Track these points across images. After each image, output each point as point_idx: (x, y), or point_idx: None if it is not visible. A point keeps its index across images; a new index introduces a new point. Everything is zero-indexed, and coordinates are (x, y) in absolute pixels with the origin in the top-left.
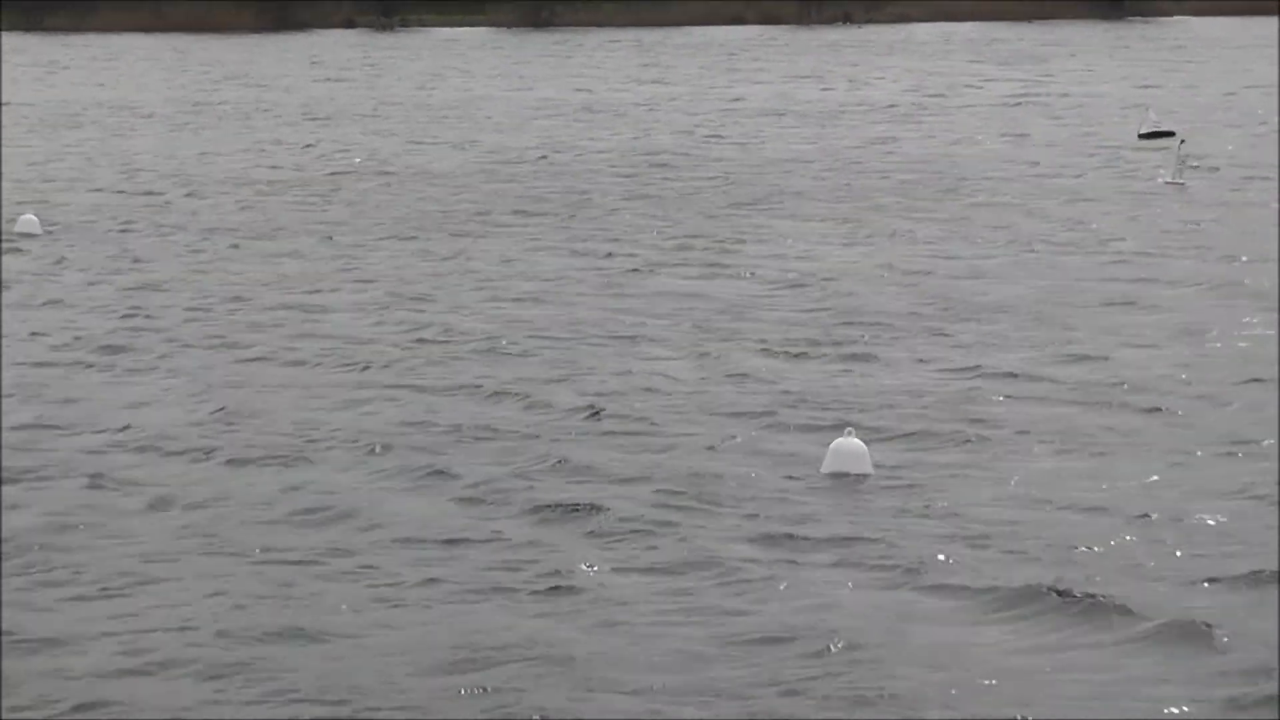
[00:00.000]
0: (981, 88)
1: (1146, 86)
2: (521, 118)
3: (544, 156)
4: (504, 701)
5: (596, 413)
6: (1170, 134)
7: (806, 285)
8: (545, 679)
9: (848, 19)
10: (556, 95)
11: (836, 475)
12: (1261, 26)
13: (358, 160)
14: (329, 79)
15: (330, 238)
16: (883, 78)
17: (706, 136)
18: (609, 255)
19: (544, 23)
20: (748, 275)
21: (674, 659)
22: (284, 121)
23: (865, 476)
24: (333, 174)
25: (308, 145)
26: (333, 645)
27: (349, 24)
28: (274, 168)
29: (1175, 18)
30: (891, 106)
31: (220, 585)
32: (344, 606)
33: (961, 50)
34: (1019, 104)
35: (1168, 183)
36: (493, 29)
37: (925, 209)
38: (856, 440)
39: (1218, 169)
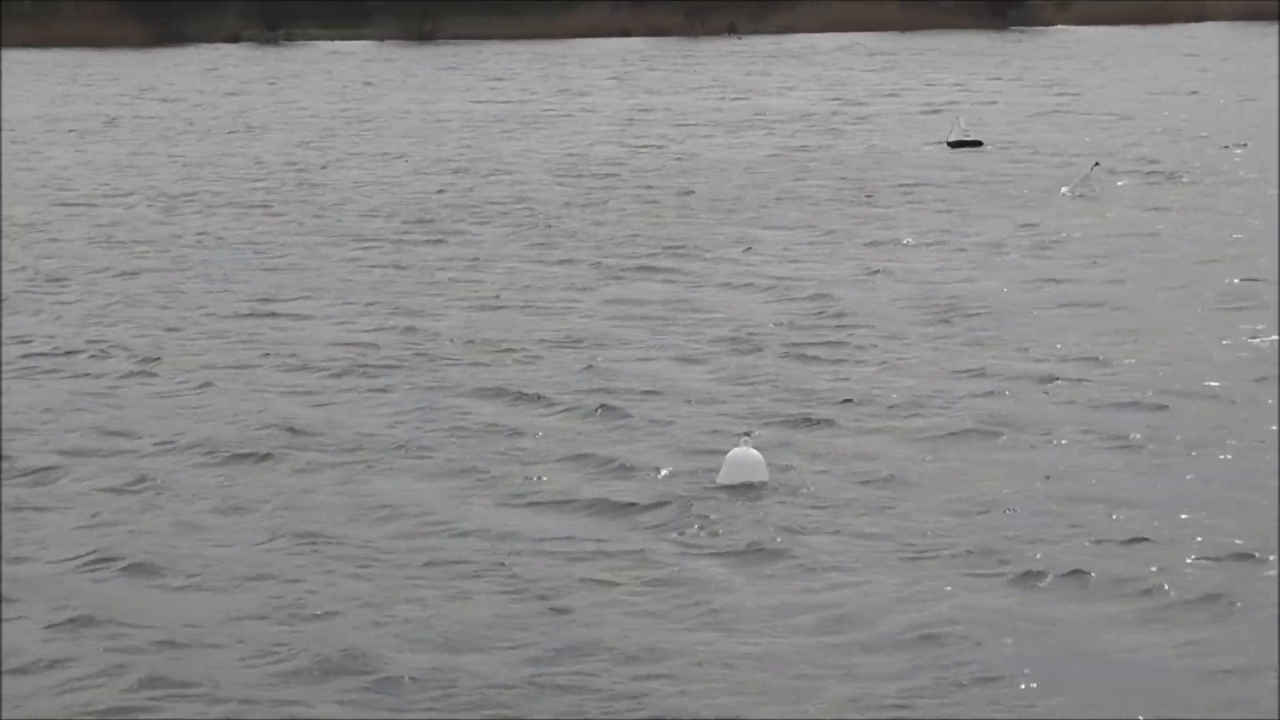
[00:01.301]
0: (899, 96)
1: (1062, 94)
2: (449, 128)
3: (492, 169)
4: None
5: (599, 409)
6: (978, 144)
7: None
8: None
9: (733, 30)
10: (468, 106)
11: (732, 486)
12: (1137, 35)
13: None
14: (265, 90)
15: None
16: (793, 87)
17: (637, 146)
18: (570, 262)
19: (427, 36)
20: (707, 279)
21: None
22: (252, 136)
23: (763, 484)
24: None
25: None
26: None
27: (234, 38)
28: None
29: (1058, 27)
30: (811, 115)
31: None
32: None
33: (867, 59)
34: (937, 111)
35: (1067, 195)
36: (378, 42)
37: (873, 214)
38: (752, 450)
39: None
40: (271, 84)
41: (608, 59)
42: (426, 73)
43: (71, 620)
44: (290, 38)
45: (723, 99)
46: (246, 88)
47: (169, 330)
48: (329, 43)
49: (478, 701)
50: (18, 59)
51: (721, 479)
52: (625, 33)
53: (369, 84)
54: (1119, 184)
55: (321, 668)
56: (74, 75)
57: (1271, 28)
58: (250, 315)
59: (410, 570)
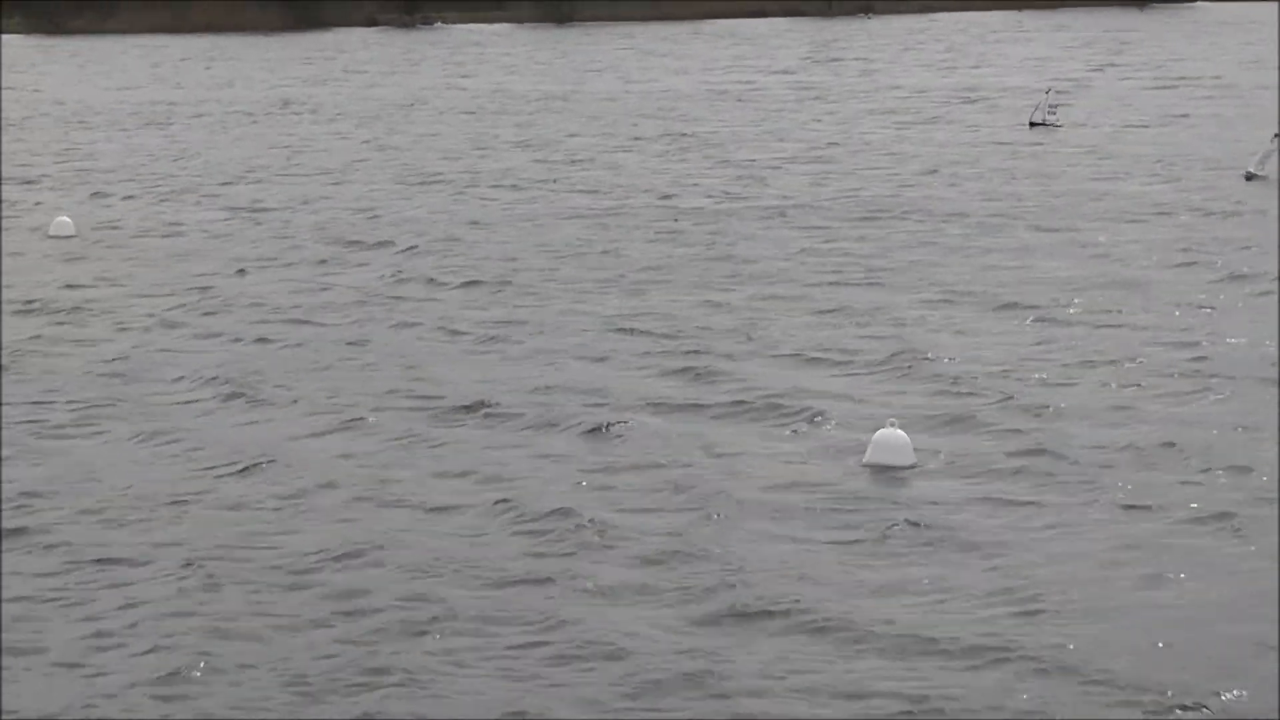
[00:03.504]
0: (1131, 77)
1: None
2: (704, 104)
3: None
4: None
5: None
6: (1059, 126)
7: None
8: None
9: (869, 9)
10: (685, 86)
11: (878, 467)
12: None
13: None
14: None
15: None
16: (1008, 63)
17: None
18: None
19: (565, 18)
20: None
21: None
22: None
23: (910, 467)
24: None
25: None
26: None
27: (371, 22)
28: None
29: (1196, 3)
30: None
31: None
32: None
33: (1055, 38)
34: (1172, 87)
35: (1249, 174)
36: (517, 25)
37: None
38: (899, 431)
39: None
40: (476, 65)
41: (776, 38)
42: (608, 53)
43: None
44: (428, 21)
45: (961, 76)
46: (465, 69)
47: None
48: (467, 25)
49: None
50: (164, 45)
51: (868, 459)
52: (761, 13)
53: (539, 64)
54: None
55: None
56: (263, 61)
57: None
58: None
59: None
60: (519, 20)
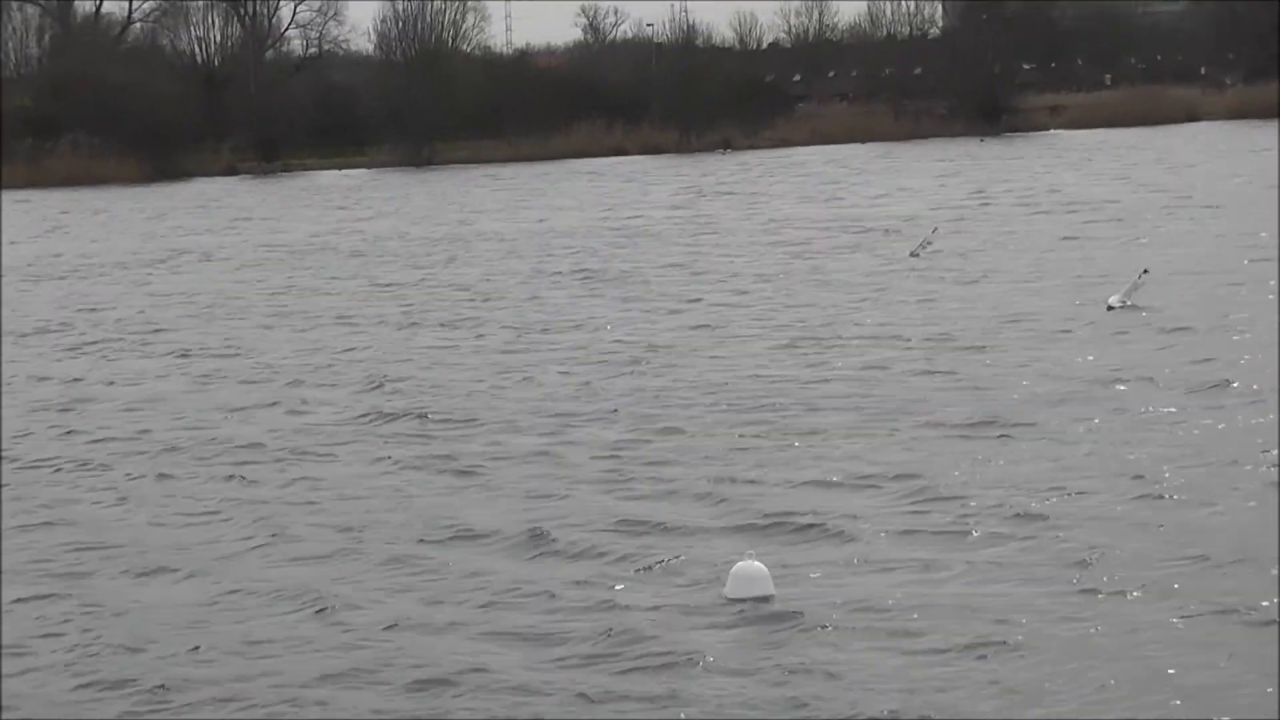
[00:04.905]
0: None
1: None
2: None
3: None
4: None
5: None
6: (929, 254)
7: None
8: None
9: (727, 145)
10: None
11: (738, 600)
12: (1122, 135)
13: None
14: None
15: None
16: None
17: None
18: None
19: (425, 161)
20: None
21: None
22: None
23: (768, 598)
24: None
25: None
26: None
27: (231, 171)
28: None
29: (1051, 131)
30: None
31: None
32: None
33: (930, 168)
34: (1046, 212)
35: (1111, 307)
36: (377, 170)
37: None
38: (758, 563)
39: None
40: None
41: (637, 174)
42: (481, 194)
43: None
44: (288, 168)
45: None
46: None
47: None
48: (326, 172)
49: None
50: (24, 199)
51: (728, 593)
52: (620, 151)
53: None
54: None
55: None
56: (159, 210)
57: (1262, 125)
58: None
59: None
60: (380, 164)
